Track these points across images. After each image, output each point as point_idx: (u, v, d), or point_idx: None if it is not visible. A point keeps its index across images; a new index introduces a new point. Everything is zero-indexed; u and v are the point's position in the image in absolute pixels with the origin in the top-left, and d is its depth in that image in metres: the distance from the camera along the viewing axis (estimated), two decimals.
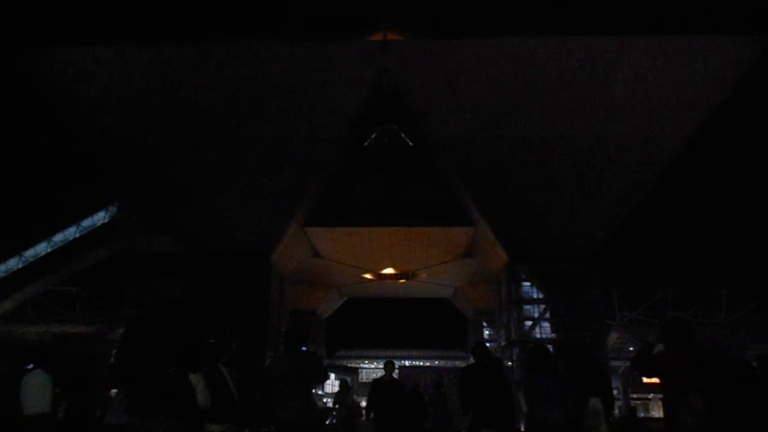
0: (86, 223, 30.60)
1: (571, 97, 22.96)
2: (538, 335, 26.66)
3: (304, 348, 6.06)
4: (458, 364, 40.15)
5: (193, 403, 4.15)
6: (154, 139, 24.15)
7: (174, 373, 3.88)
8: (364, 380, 50.20)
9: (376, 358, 53.33)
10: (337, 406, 13.85)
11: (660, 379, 4.98)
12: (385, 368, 9.42)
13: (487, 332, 39.52)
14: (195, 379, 4.65)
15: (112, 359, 3.99)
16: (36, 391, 8.49)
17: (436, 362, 46.17)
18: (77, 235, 30.31)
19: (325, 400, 31.44)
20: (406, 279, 35.75)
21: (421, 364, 44.87)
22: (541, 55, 22.89)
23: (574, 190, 24.30)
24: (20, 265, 30.01)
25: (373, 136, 30.28)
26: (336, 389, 14.99)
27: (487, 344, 20.54)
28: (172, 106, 23.53)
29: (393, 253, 31.36)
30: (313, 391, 6.71)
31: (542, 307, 27.10)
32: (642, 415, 30.44)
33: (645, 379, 30.00)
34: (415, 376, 24.54)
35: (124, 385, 4.03)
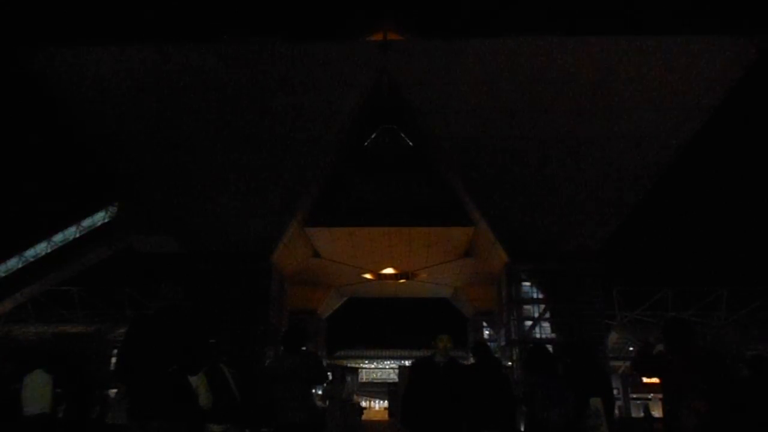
0: (86, 223, 30.62)
1: (571, 97, 22.97)
2: (538, 335, 26.66)
3: (303, 348, 6.05)
4: None
5: (194, 406, 4.15)
6: (154, 138, 24.15)
7: (174, 373, 3.88)
8: (364, 380, 50.29)
9: (376, 358, 53.41)
10: (327, 402, 11.73)
11: (660, 380, 4.98)
12: (437, 344, 5.99)
13: (487, 332, 39.53)
14: (197, 379, 4.66)
15: (115, 360, 4.03)
16: (36, 391, 8.49)
17: None
18: (77, 235, 30.33)
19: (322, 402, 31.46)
20: (406, 279, 35.75)
21: None
22: (541, 55, 22.90)
23: (574, 190, 24.30)
24: (20, 265, 30.03)
25: (373, 136, 30.29)
26: None
27: (488, 344, 20.46)
28: (172, 105, 23.54)
29: (393, 253, 31.36)
30: (313, 391, 6.60)
31: (542, 307, 27.10)
32: (642, 415, 30.44)
33: (645, 379, 30.04)
34: None
35: (127, 385, 4.04)
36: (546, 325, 27.02)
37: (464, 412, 5.60)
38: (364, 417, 26.50)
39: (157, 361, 3.85)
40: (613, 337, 32.95)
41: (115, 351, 29.88)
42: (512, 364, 25.79)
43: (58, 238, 30.36)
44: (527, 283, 27.23)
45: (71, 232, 30.46)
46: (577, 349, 6.70)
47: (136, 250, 31.46)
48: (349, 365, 46.56)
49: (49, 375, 8.60)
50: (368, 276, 35.62)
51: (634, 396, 34.56)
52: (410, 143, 30.03)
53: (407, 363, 45.50)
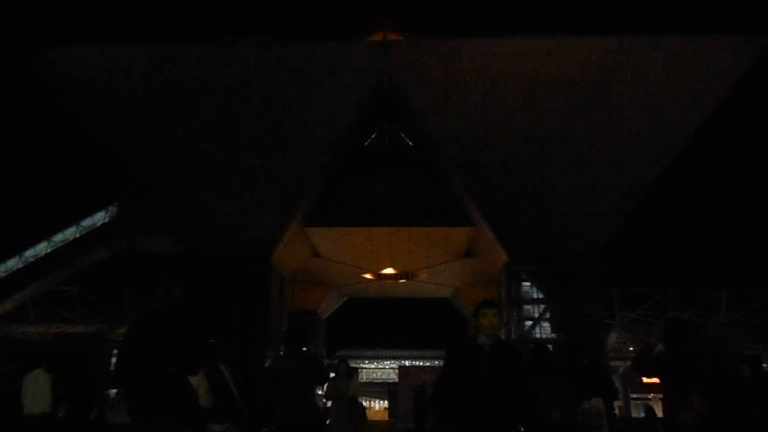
0: (86, 223, 30.61)
1: (571, 97, 22.97)
2: (538, 335, 26.67)
3: (304, 348, 6.05)
4: None
5: (194, 406, 4.15)
6: (154, 139, 24.16)
7: (174, 374, 3.88)
8: (364, 380, 50.26)
9: (376, 358, 53.38)
10: (329, 403, 9.87)
11: (660, 380, 4.99)
12: (480, 321, 4.25)
13: None
14: (197, 380, 4.66)
15: (115, 360, 4.04)
16: (37, 391, 8.52)
17: (436, 362, 46.13)
18: (77, 235, 30.32)
19: (324, 399, 31.45)
20: (406, 279, 35.75)
21: (421, 364, 44.85)
22: (541, 55, 22.89)
23: (574, 190, 24.31)
24: (20, 265, 30.02)
25: (373, 136, 30.30)
26: None
27: None
28: (172, 105, 23.53)
29: (393, 253, 31.36)
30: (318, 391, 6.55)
31: (542, 307, 27.10)
32: (642, 415, 30.43)
33: (645, 379, 30.01)
34: (415, 376, 24.54)
35: (128, 386, 4.04)
36: (546, 325, 27.03)
37: (514, 413, 4.10)
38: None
39: (157, 361, 3.85)
40: (613, 337, 32.91)
41: (115, 351, 29.86)
42: None
43: (58, 238, 30.35)
44: (527, 283, 27.25)
45: (71, 232, 30.45)
46: (577, 349, 6.71)
47: (136, 250, 31.45)
48: (349, 365, 46.53)
49: (49, 375, 8.62)
50: (368, 276, 35.62)
51: (634, 396, 34.54)
52: (410, 143, 30.04)
53: (407, 363, 45.49)
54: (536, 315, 27.12)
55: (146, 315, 4.31)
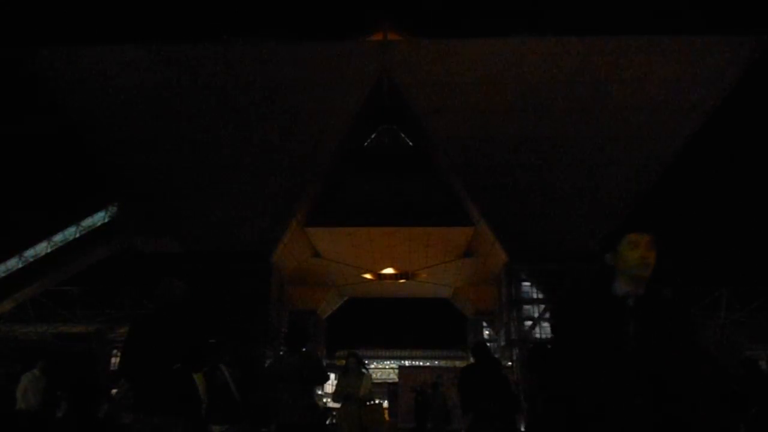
0: (86, 223, 30.58)
1: (571, 97, 22.98)
2: (538, 335, 26.66)
3: (304, 348, 6.05)
4: (458, 364, 40.18)
5: (197, 402, 4.17)
6: (154, 139, 24.17)
7: (178, 371, 3.90)
8: None
9: (376, 358, 53.37)
10: (337, 406, 8.73)
11: None
12: (624, 254, 2.49)
13: (487, 332, 39.53)
14: (197, 378, 4.66)
15: (118, 357, 4.07)
16: (28, 389, 8.63)
17: (436, 362, 46.17)
18: (77, 235, 30.30)
19: (325, 400, 31.44)
20: (406, 279, 35.76)
21: (421, 364, 44.88)
22: (541, 55, 22.91)
23: (574, 190, 24.32)
24: (20, 265, 30.00)
25: (373, 136, 30.31)
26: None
27: (488, 344, 20.38)
28: (172, 105, 23.56)
29: (393, 253, 31.37)
30: (319, 392, 6.53)
31: (542, 307, 27.09)
32: None
33: None
34: (415, 376, 24.55)
35: (132, 382, 4.06)
36: (546, 325, 27.00)
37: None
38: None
39: (161, 357, 3.87)
40: None
41: (115, 351, 29.88)
42: (512, 364, 25.79)
43: (58, 238, 30.33)
44: (527, 283, 27.23)
45: (71, 232, 30.42)
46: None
47: (136, 250, 31.44)
48: (360, 358, 46.48)
49: (42, 375, 8.71)
50: (368, 276, 35.63)
51: None
52: (410, 143, 30.05)
53: (407, 363, 45.51)
54: (536, 315, 27.11)
55: (148, 314, 4.33)
